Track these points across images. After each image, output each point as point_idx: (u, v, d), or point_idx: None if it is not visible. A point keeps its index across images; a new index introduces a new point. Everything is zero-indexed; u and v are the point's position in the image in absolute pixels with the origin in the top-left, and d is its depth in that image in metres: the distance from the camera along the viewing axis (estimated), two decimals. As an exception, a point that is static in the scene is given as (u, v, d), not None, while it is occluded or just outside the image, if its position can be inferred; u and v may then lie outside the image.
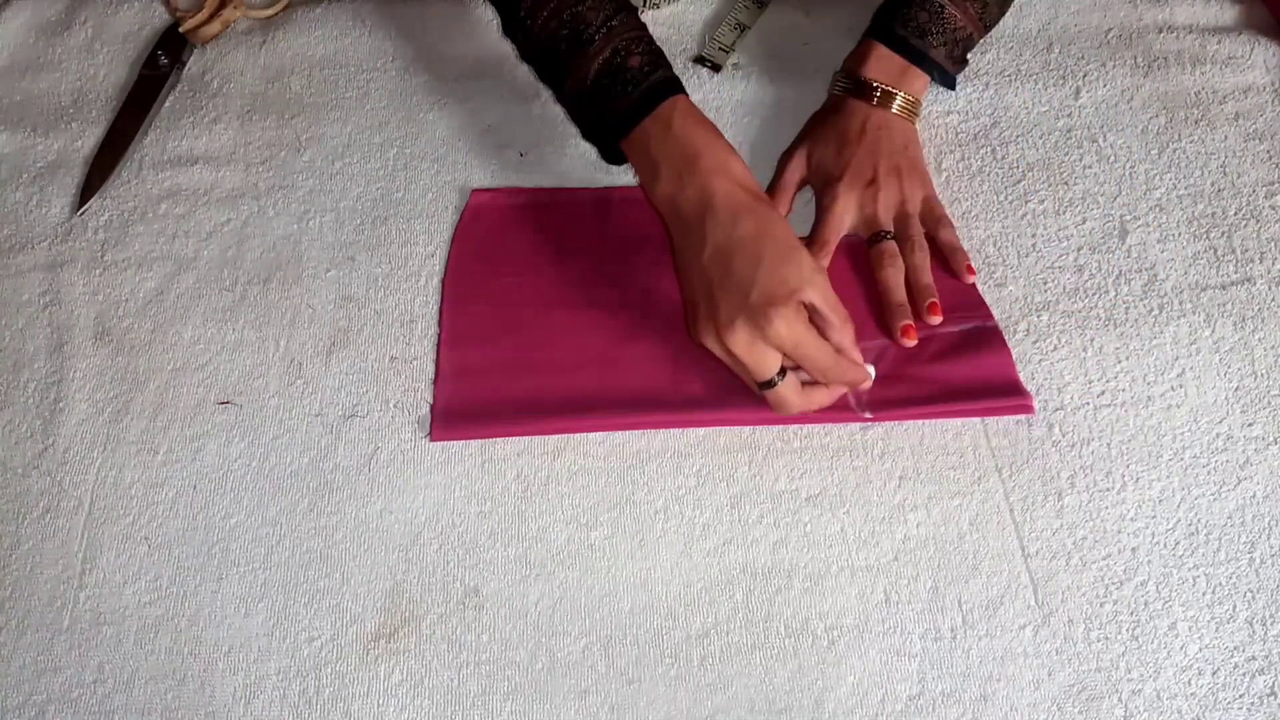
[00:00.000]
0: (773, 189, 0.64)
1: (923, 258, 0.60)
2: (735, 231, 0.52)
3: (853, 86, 0.63)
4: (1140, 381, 0.57)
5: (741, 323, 0.50)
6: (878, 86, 0.62)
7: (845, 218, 0.61)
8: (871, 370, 0.55)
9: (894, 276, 0.59)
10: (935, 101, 0.68)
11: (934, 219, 0.61)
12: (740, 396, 0.56)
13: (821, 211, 0.62)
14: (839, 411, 0.56)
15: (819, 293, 0.51)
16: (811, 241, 0.61)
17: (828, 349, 0.52)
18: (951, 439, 0.56)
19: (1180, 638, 0.51)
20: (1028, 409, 0.56)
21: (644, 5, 0.72)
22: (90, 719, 0.50)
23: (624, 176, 0.65)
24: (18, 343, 0.61)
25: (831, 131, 0.63)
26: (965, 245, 0.61)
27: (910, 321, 0.58)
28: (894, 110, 0.62)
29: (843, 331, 0.53)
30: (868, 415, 0.56)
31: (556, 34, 0.56)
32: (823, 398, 0.54)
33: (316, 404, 0.58)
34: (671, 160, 0.54)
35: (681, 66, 0.70)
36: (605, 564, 0.53)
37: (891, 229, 0.61)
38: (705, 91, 0.69)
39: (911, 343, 0.57)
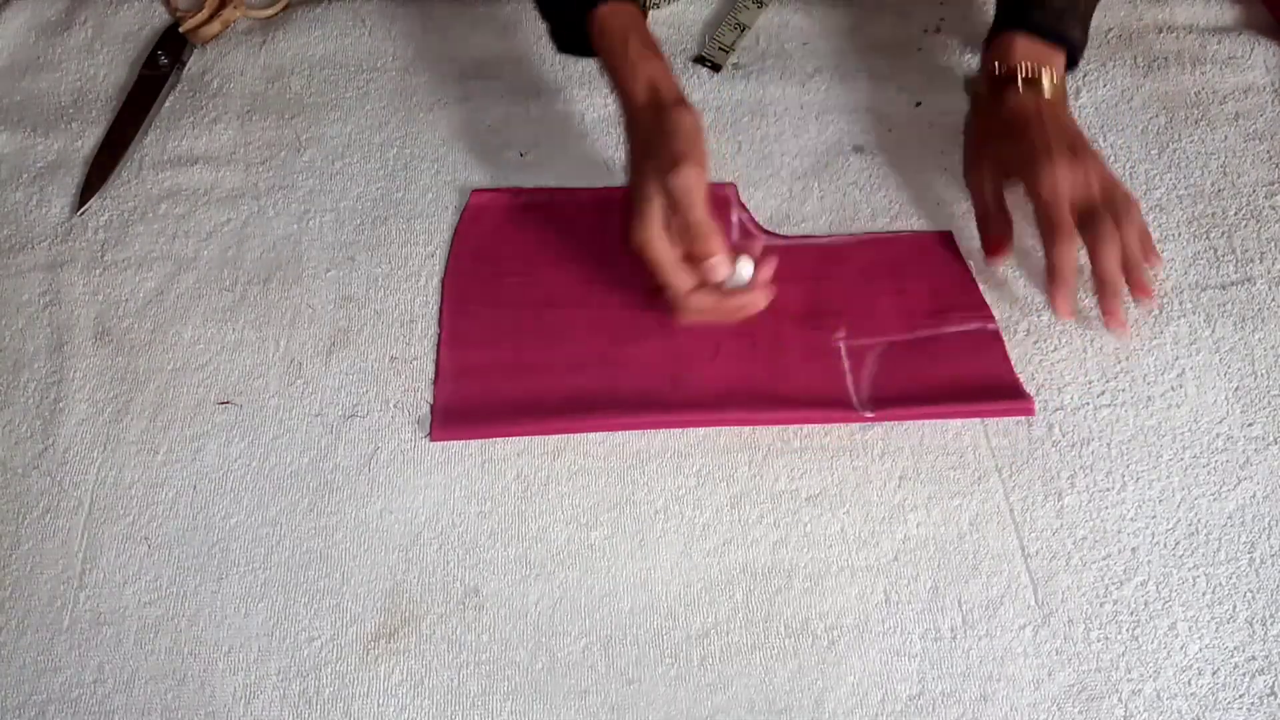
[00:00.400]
0: (981, 210, 0.61)
1: (1130, 232, 0.56)
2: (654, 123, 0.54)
3: (1002, 77, 0.60)
4: (1140, 381, 0.57)
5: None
6: (1028, 71, 0.59)
7: (1062, 188, 0.56)
8: (739, 269, 0.54)
9: (1113, 256, 0.55)
10: (935, 102, 0.68)
11: (1124, 199, 0.57)
12: (740, 395, 0.56)
13: (1036, 198, 0.57)
14: (839, 410, 0.56)
15: (684, 175, 0.52)
16: (1047, 232, 0.56)
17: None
18: (951, 439, 0.56)
19: (1180, 638, 0.51)
20: (1028, 410, 0.56)
21: (643, 6, 0.72)
22: (90, 719, 0.51)
23: (623, 177, 0.65)
24: (18, 343, 0.61)
25: (1001, 123, 0.60)
26: (962, 245, 0.62)
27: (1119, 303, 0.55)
28: (1046, 96, 0.59)
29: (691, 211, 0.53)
30: (868, 414, 0.56)
31: None
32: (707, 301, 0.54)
33: (316, 404, 0.58)
34: (610, 69, 0.58)
35: (681, 66, 0.70)
36: (605, 564, 0.53)
37: (1097, 203, 0.56)
38: (705, 91, 0.69)
39: (1121, 330, 0.56)
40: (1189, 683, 0.50)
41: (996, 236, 0.60)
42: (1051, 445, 0.56)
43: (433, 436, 0.56)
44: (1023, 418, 0.56)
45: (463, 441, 0.56)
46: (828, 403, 0.56)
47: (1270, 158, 0.65)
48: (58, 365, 0.59)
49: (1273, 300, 0.60)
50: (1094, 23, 0.71)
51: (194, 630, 0.52)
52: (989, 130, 0.61)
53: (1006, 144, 0.59)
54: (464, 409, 0.57)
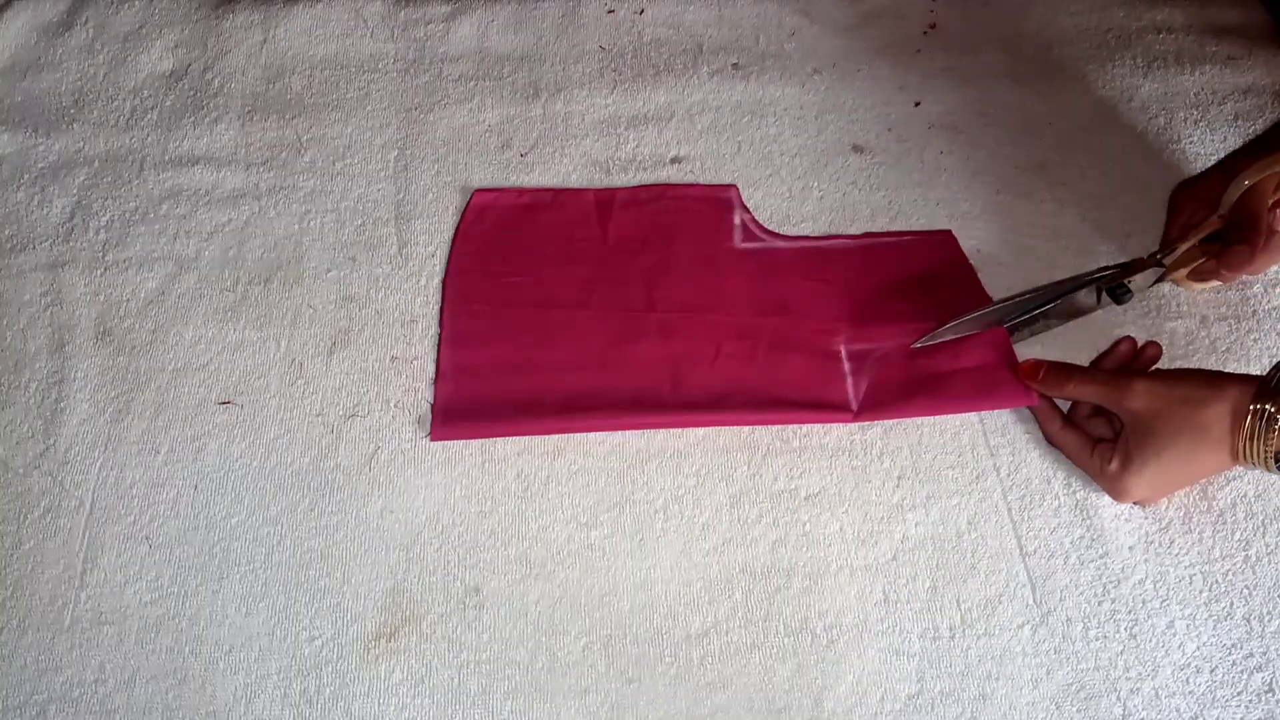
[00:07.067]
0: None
1: None
2: None
3: None
4: (1139, 381, 0.57)
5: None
6: None
7: None
8: None
9: None
10: (935, 102, 0.68)
11: None
12: (739, 397, 0.57)
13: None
14: (839, 412, 0.56)
15: None
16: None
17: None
18: (950, 438, 0.56)
19: (1178, 636, 0.51)
20: (1031, 401, 0.56)
21: None
22: (91, 718, 0.51)
23: (624, 177, 0.66)
24: (19, 343, 0.61)
25: None
26: (964, 245, 0.62)
27: None
28: None
29: None
30: (867, 416, 0.56)
31: None
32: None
33: (317, 404, 0.58)
34: None
35: (681, 68, 0.70)
36: (605, 564, 0.54)
37: None
38: (705, 91, 0.69)
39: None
40: (1187, 680, 0.50)
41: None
42: (1049, 444, 0.56)
43: (433, 436, 0.56)
44: (1021, 418, 0.57)
45: (463, 441, 0.57)
46: (828, 405, 0.56)
47: (1269, 158, 0.65)
48: (59, 365, 0.60)
49: (1268, 302, 0.60)
50: (1094, 22, 0.71)
51: (195, 629, 0.52)
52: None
53: None
54: (464, 409, 0.57)
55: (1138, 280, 0.56)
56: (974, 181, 0.65)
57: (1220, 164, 0.57)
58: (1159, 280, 0.58)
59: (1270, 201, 0.53)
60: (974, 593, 0.52)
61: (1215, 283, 0.59)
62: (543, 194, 0.65)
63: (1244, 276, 0.58)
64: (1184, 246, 0.56)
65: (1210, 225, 0.55)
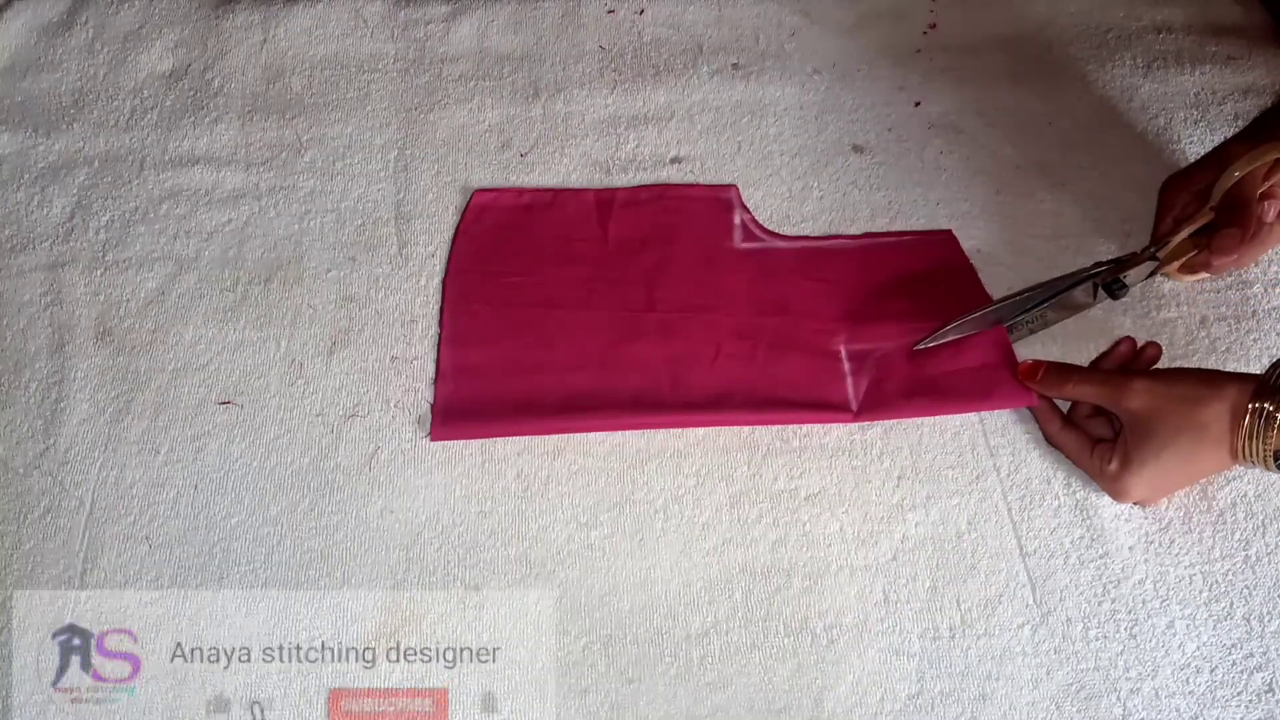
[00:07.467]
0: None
1: None
2: None
3: None
4: (1139, 381, 0.57)
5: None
6: None
7: None
8: None
9: None
10: (935, 102, 0.68)
11: None
12: (739, 397, 0.57)
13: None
14: (839, 413, 0.56)
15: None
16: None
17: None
18: (950, 438, 0.56)
19: (1178, 636, 0.51)
20: (1030, 401, 0.56)
21: None
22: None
23: (624, 177, 0.66)
24: (19, 343, 0.61)
25: None
26: (964, 245, 0.62)
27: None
28: None
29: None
30: (867, 416, 0.56)
31: None
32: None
33: (317, 404, 0.58)
34: None
35: (681, 68, 0.70)
36: (605, 563, 0.54)
37: None
38: (705, 91, 0.69)
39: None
40: (1187, 680, 0.50)
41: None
42: (1049, 444, 0.56)
43: (433, 436, 0.56)
44: (1020, 418, 0.57)
45: (463, 441, 0.57)
46: (828, 405, 0.57)
47: (1269, 158, 0.65)
48: (59, 365, 0.60)
49: (1268, 302, 0.60)
50: (1094, 22, 0.71)
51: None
52: None
53: None
54: (464, 409, 0.57)
55: (1133, 275, 0.56)
56: (974, 181, 0.65)
57: (1211, 155, 0.58)
58: (1153, 274, 0.58)
59: (1259, 191, 0.53)
60: (974, 593, 0.52)
61: (1204, 274, 0.59)
62: (543, 194, 0.65)
63: (1232, 269, 0.58)
64: (1176, 240, 0.56)
65: (1202, 218, 0.55)
